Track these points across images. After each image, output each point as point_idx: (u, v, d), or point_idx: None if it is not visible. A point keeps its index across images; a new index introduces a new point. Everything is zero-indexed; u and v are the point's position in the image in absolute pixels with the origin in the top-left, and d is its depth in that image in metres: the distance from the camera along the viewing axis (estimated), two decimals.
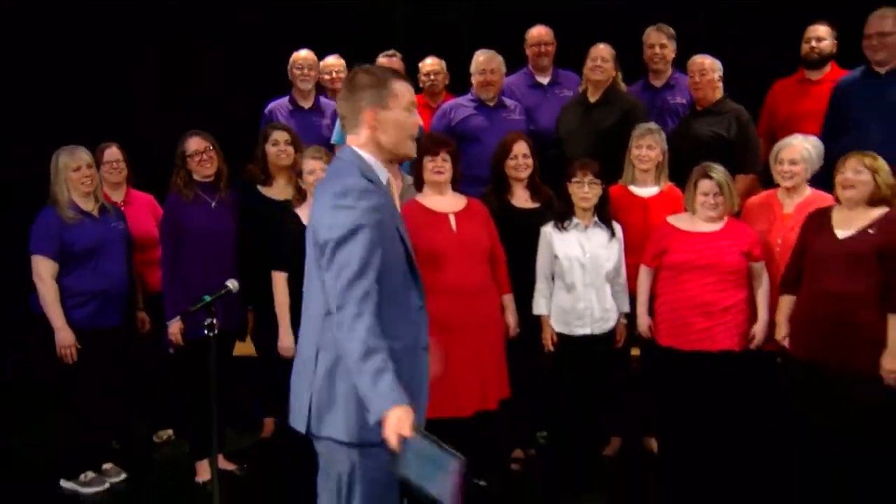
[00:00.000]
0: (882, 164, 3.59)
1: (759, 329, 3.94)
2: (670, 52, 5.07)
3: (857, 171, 3.59)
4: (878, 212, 3.58)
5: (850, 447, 3.48)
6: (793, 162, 3.98)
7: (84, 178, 4.18)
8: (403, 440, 2.18)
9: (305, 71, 5.22)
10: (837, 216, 3.67)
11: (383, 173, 2.56)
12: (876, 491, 3.50)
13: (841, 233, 3.62)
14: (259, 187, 4.44)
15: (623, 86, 4.92)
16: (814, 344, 3.64)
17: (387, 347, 2.29)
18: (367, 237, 2.35)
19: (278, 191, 4.42)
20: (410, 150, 2.58)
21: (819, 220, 3.72)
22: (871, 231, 3.55)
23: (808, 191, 4.04)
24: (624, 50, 4.96)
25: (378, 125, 2.52)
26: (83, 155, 4.21)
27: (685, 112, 4.91)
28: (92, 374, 4.15)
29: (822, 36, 4.82)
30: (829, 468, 3.61)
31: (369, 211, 2.37)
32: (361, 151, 2.53)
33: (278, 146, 4.40)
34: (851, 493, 3.57)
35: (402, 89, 2.55)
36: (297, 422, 2.51)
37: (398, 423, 2.20)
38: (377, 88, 2.51)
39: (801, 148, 3.99)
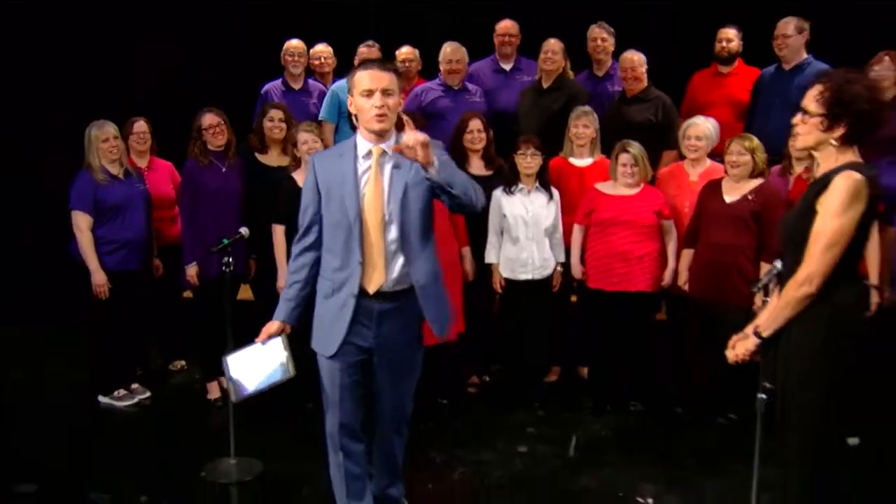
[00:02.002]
0: (758, 143, 4.53)
1: (667, 274, 4.82)
2: (610, 45, 5.86)
3: (740, 154, 4.52)
4: (756, 182, 4.53)
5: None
6: (698, 138, 4.84)
7: (111, 147, 4.93)
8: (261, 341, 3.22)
9: (296, 57, 6.00)
10: (726, 185, 4.60)
11: (364, 146, 3.09)
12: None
13: (728, 198, 4.54)
14: (257, 155, 5.21)
15: (571, 74, 5.78)
16: (705, 284, 4.58)
17: (299, 280, 3.22)
18: (302, 204, 3.19)
19: (272, 158, 5.21)
20: (374, 127, 3.01)
21: (712, 188, 4.64)
22: (750, 197, 4.48)
23: (709, 162, 4.92)
24: (572, 43, 5.79)
25: (353, 111, 3.11)
26: (110, 129, 4.95)
27: None
28: (120, 309, 4.95)
29: (730, 37, 5.68)
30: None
31: (306, 179, 3.18)
32: (358, 130, 3.12)
33: (273, 122, 5.17)
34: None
35: (360, 78, 3.02)
36: None
37: (266, 329, 3.22)
38: (350, 79, 3.09)
39: (704, 127, 4.87)
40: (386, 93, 3.00)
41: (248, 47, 6.73)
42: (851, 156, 2.79)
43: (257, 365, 3.22)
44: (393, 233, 3.10)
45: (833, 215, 2.72)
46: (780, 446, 2.93)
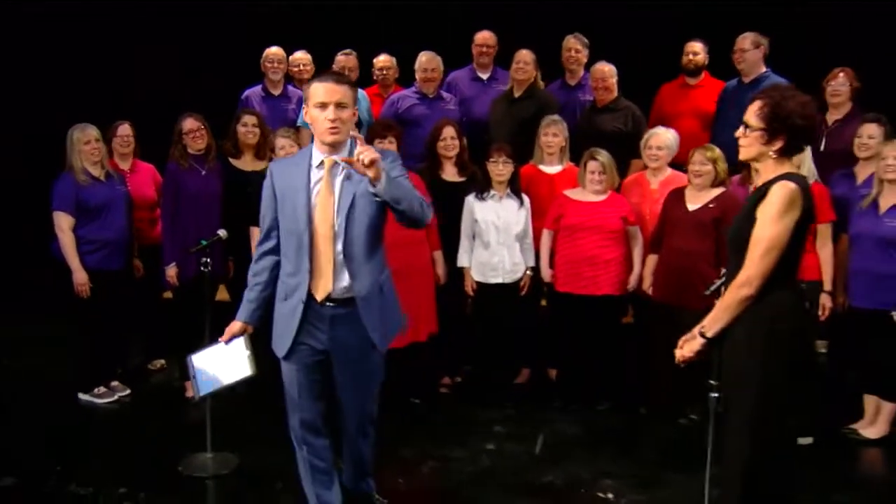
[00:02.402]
0: (719, 154, 4.72)
1: (632, 278, 5.00)
2: (584, 56, 6.03)
3: (702, 164, 4.70)
4: (718, 191, 4.72)
5: None
6: (659, 148, 5.04)
7: (93, 149, 5.05)
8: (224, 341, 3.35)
9: (276, 64, 6.15)
10: (689, 193, 4.78)
11: (318, 156, 3.17)
12: None
13: (691, 206, 4.73)
14: (231, 160, 5.34)
15: (542, 84, 5.96)
16: (668, 289, 4.75)
17: (260, 282, 3.34)
18: (261, 209, 3.30)
19: (246, 163, 5.34)
20: (326, 139, 3.10)
21: (676, 196, 4.83)
22: (711, 205, 4.67)
23: (669, 171, 5.12)
24: (547, 53, 6.00)
25: (308, 121, 3.19)
26: (91, 131, 5.07)
27: None
28: (101, 308, 5.06)
29: (697, 51, 5.91)
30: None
31: (265, 187, 3.28)
32: (314, 140, 3.21)
33: (247, 127, 5.31)
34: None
35: (314, 90, 3.09)
36: None
37: (229, 329, 3.33)
38: (305, 90, 3.17)
39: (665, 137, 5.06)
40: (339, 106, 3.07)
41: (229, 54, 6.88)
42: (788, 167, 2.98)
43: (220, 364, 3.38)
44: (340, 244, 3.18)
45: (770, 222, 2.90)
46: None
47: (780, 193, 2.88)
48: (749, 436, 2.98)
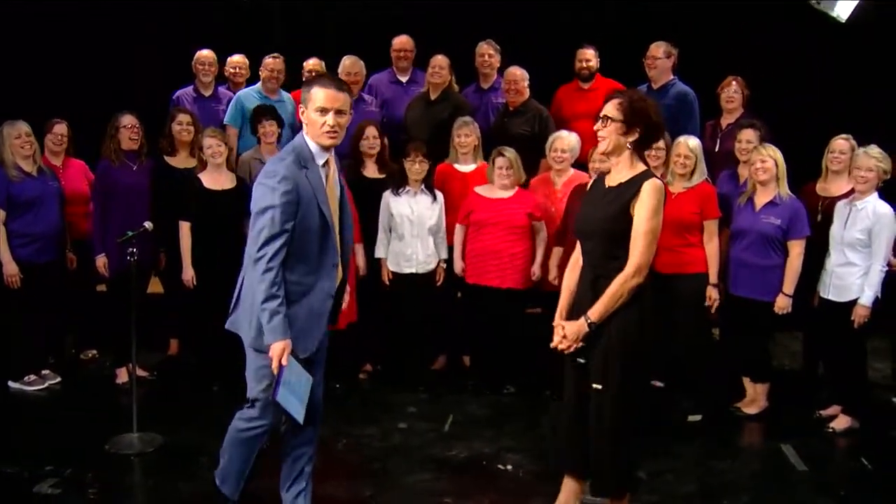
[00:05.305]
0: None
1: (536, 267, 5.37)
2: (496, 61, 6.34)
3: (602, 161, 5.03)
4: None
5: None
6: (563, 150, 5.43)
7: (23, 143, 5.25)
8: (281, 366, 3.14)
9: (207, 67, 6.38)
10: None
11: (321, 157, 3.27)
12: None
13: None
14: (165, 157, 5.63)
15: (456, 87, 6.30)
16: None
17: (283, 295, 3.14)
18: (276, 213, 3.10)
19: (180, 160, 5.64)
20: (324, 142, 3.21)
21: (578, 192, 5.19)
22: None
23: (572, 171, 5.52)
24: (463, 58, 6.35)
25: (304, 121, 3.27)
26: (21, 126, 5.28)
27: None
28: (32, 299, 5.27)
29: (589, 58, 6.24)
30: None
31: (282, 194, 3.09)
32: (307, 139, 3.26)
33: (182, 125, 5.61)
34: None
35: (315, 94, 3.18)
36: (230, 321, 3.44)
37: (279, 352, 3.13)
38: (304, 91, 3.25)
39: (569, 140, 5.46)
40: (339, 112, 3.20)
41: (161, 55, 7.07)
42: (642, 164, 3.34)
43: (292, 384, 3.23)
44: (337, 232, 3.37)
45: (650, 216, 3.23)
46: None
47: (653, 189, 3.23)
48: (623, 403, 3.32)
